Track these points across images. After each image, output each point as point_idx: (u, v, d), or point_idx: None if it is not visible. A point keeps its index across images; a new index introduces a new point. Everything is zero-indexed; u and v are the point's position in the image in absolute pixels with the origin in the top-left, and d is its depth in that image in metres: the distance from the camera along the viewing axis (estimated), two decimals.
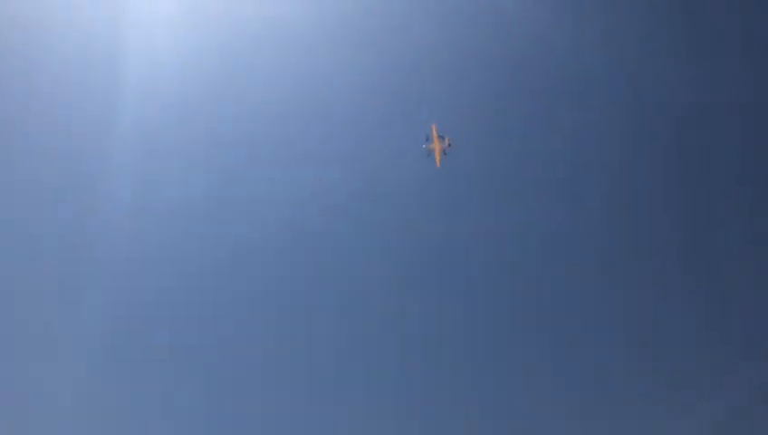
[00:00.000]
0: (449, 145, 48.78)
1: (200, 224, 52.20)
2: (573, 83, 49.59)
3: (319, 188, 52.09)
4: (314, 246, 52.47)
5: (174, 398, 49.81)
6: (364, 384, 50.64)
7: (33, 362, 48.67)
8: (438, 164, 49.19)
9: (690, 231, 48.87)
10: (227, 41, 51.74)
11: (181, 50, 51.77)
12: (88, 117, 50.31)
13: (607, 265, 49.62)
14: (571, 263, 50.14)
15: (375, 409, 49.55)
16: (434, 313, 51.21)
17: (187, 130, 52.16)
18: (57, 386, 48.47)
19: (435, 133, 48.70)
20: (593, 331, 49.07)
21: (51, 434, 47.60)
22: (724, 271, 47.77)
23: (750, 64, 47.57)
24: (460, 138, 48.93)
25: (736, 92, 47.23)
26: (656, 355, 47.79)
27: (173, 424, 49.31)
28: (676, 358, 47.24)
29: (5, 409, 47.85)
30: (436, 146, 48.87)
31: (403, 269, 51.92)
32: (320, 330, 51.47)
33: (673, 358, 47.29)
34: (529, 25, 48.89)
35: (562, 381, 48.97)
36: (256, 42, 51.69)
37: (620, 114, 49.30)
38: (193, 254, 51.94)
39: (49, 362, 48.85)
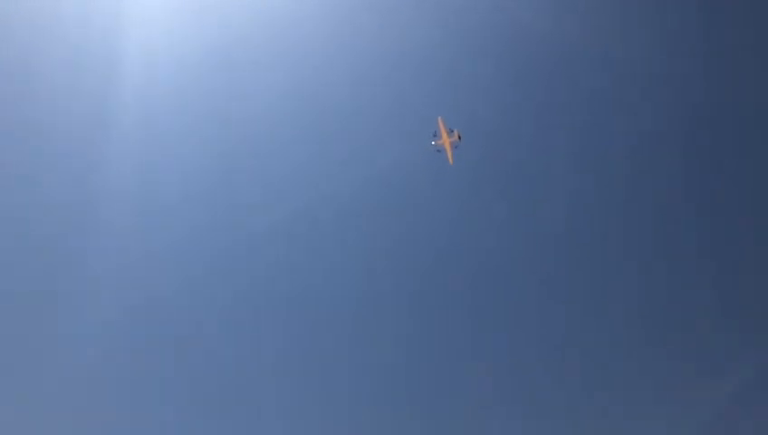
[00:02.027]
0: (459, 138, 44.88)
1: (203, 223, 49.98)
2: (583, 81, 46.78)
3: (322, 186, 49.40)
4: (317, 243, 50.04)
5: (172, 394, 48.23)
6: (371, 383, 48.96)
7: (35, 361, 46.93)
8: (451, 161, 45.45)
9: (698, 229, 47.27)
10: (232, 37, 48.97)
11: (183, 47, 49.22)
12: (89, 113, 48.12)
13: (614, 260, 47.80)
14: (576, 258, 48.54)
15: (381, 408, 48.04)
16: (440, 311, 49.49)
17: (189, 127, 49.79)
18: (60, 384, 46.71)
19: (442, 127, 44.62)
20: (601, 328, 47.69)
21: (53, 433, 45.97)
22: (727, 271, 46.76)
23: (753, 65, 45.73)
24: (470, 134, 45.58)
25: (741, 92, 45.67)
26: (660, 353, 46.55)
27: (176, 421, 47.44)
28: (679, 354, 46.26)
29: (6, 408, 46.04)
30: (446, 141, 44.91)
31: (409, 268, 49.71)
32: (325, 329, 49.43)
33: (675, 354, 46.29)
34: (539, 22, 45.74)
35: (569, 379, 47.58)
36: (263, 36, 48.77)
37: (631, 111, 47.08)
38: (198, 252, 49.79)
39: (52, 358, 47.01)
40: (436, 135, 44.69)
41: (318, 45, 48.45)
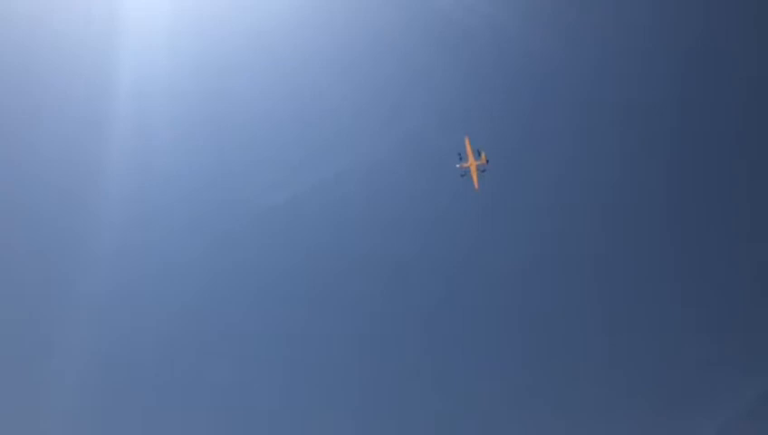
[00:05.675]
0: (487, 162, 40.09)
1: (201, 223, 48.67)
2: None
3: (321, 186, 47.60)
4: (317, 244, 48.50)
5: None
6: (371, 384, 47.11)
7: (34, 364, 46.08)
8: (477, 186, 40.52)
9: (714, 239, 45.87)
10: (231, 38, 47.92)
11: (181, 50, 48.16)
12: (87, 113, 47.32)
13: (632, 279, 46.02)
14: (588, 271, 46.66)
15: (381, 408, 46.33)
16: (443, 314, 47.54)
17: (188, 128, 48.61)
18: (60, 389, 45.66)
19: (468, 148, 40.02)
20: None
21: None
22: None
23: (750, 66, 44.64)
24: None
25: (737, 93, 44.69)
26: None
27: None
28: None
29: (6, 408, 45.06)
30: (472, 164, 40.19)
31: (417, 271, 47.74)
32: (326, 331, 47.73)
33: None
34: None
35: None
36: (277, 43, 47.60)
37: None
38: (196, 251, 48.64)
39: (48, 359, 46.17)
40: (461, 157, 40.04)
41: (313, 49, 47.30)
